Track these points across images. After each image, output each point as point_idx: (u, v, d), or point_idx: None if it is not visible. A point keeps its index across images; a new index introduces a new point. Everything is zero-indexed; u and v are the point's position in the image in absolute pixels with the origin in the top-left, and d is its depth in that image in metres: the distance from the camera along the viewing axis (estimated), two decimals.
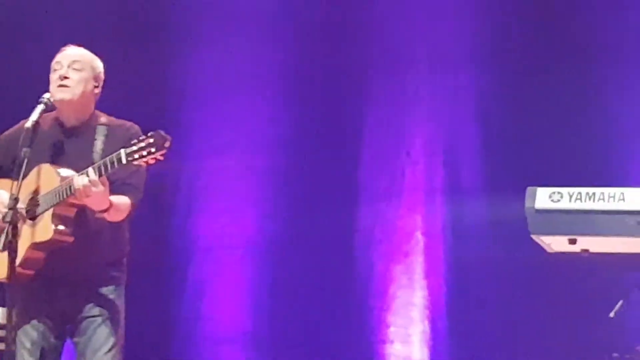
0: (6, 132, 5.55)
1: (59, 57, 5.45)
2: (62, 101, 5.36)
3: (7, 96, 7.27)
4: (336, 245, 8.38)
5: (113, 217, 5.28)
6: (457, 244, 8.24)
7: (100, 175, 5.10)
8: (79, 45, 5.52)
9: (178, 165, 8.23)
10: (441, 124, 8.48)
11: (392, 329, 8.31)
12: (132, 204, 5.34)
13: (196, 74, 8.68)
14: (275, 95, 8.65)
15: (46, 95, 5.33)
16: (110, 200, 5.20)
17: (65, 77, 5.37)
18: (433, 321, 8.27)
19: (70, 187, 5.12)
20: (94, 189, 5.07)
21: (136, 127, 5.40)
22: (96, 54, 5.53)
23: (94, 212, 5.23)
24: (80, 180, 5.08)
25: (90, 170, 5.10)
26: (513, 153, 8.00)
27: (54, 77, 5.41)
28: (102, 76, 5.51)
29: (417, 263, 8.33)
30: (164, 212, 8.39)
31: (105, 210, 5.21)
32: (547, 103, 8.03)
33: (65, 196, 5.15)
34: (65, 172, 5.23)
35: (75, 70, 5.39)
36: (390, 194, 8.44)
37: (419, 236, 8.36)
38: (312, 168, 8.48)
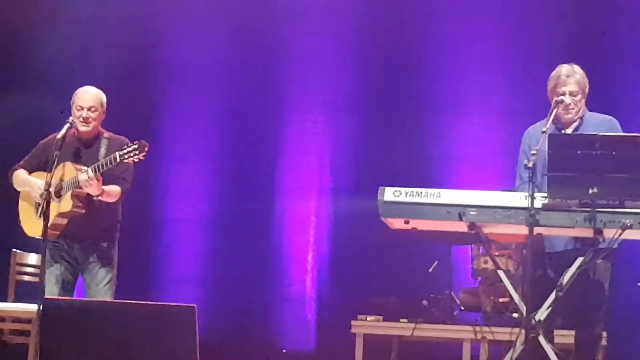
0: (43, 141, 5.57)
1: (81, 102, 5.44)
2: (83, 132, 5.46)
3: (44, 118, 7.13)
4: (260, 222, 8.29)
5: (106, 199, 5.32)
6: (337, 222, 8.25)
7: (99, 171, 5.16)
8: (92, 84, 5.52)
9: (157, 166, 8.12)
10: (328, 144, 8.39)
11: (292, 275, 8.25)
12: (122, 191, 5.40)
13: (169, 106, 8.47)
14: (220, 125, 8.47)
15: (70, 119, 5.37)
16: (102, 189, 5.25)
17: (86, 119, 5.42)
18: (319, 271, 8.24)
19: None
20: (91, 182, 5.17)
21: (127, 139, 5.42)
22: (102, 89, 5.52)
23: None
24: (82, 177, 5.18)
25: (89, 169, 5.17)
26: (373, 167, 7.90)
27: (77, 114, 5.43)
28: (105, 106, 5.52)
29: (310, 235, 8.28)
30: (146, 196, 8.10)
31: (99, 196, 5.26)
32: (396, 136, 8.04)
33: (79, 184, 5.23)
34: (81, 168, 5.28)
35: (92, 112, 5.43)
36: (295, 189, 8.33)
37: (312, 218, 8.32)
38: (245, 171, 8.35)
